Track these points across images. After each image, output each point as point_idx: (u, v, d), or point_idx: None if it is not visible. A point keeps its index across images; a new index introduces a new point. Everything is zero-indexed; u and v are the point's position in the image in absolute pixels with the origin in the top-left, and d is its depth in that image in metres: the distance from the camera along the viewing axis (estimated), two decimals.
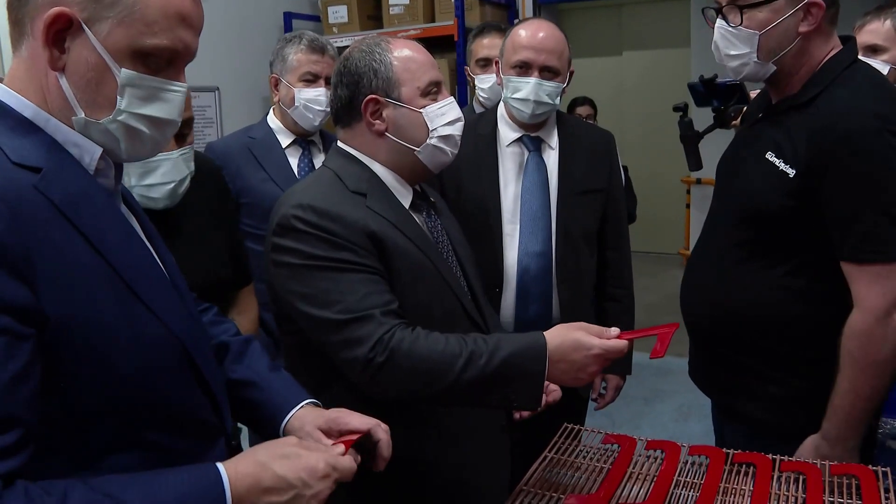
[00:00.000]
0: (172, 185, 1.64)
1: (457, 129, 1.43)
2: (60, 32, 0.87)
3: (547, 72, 1.87)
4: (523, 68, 1.87)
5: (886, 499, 1.22)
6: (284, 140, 2.27)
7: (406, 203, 1.43)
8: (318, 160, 2.29)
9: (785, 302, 1.53)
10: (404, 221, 1.38)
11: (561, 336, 1.23)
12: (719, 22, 1.55)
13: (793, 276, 1.52)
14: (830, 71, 1.50)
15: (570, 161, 1.96)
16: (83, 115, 0.91)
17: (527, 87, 1.86)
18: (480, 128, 1.98)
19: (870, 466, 1.31)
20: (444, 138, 1.41)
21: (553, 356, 1.21)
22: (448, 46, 4.08)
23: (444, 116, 1.40)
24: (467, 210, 1.89)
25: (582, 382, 1.25)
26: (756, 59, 1.51)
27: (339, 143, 1.46)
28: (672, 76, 6.22)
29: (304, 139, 2.29)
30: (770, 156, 1.52)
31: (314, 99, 2.21)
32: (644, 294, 5.53)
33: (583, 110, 4.33)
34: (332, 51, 2.29)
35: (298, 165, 2.26)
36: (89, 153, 0.94)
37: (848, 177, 1.41)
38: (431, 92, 1.40)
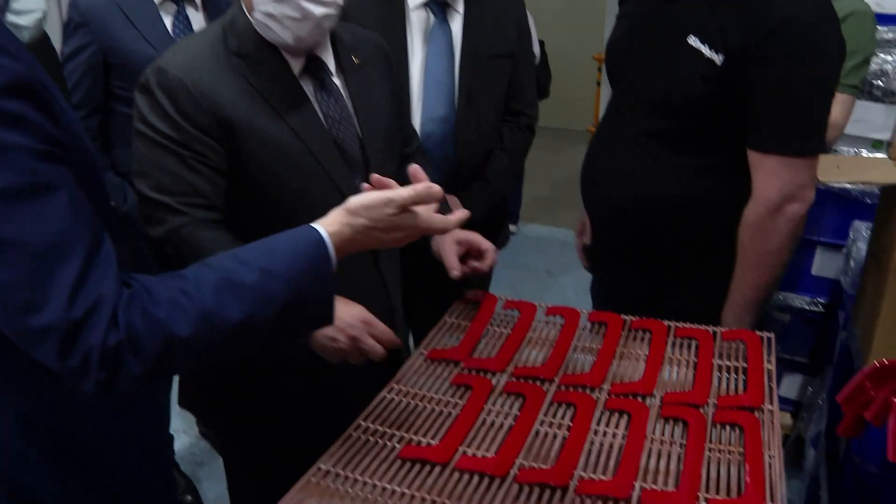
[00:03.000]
0: (41, 14, 1.52)
1: (286, 10, 1.21)
2: None
3: None
4: None
5: (769, 361, 1.29)
6: None
7: (296, 68, 1.28)
8: (196, 20, 2.08)
9: (711, 190, 1.50)
10: (281, 95, 1.26)
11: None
12: None
13: (717, 164, 1.49)
14: None
15: (476, 25, 1.88)
16: None
17: None
18: None
19: (756, 332, 1.37)
20: (269, 16, 1.22)
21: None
22: None
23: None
24: None
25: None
26: None
27: None
28: None
29: None
30: (693, 41, 1.43)
31: None
32: (551, 169, 5.59)
33: None
34: None
35: (173, 25, 2.04)
36: None
37: (774, 68, 1.36)
38: None
